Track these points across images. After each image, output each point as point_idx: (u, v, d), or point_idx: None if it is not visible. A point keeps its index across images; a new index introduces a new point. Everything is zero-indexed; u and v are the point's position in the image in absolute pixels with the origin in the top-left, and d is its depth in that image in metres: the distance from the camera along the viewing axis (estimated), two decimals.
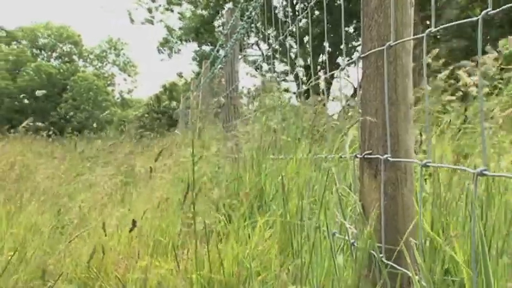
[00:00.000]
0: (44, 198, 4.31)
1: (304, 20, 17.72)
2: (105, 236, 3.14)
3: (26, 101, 40.65)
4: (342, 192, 2.01)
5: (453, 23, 1.49)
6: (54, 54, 47.28)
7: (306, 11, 2.96)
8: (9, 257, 3.03)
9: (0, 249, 3.29)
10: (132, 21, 29.07)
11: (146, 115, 29.08)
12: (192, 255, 2.52)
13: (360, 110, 1.90)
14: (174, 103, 27.39)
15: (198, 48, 27.82)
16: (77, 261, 3.19)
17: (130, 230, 2.98)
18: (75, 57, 47.74)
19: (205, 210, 3.20)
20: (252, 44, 24.32)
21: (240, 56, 5.65)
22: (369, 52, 1.82)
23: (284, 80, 23.77)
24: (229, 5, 21.59)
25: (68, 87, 42.76)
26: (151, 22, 28.33)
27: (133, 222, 2.95)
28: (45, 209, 4.06)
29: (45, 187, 4.75)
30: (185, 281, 2.46)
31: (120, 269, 2.87)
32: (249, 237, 2.73)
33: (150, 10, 28.20)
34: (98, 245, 3.06)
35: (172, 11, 27.83)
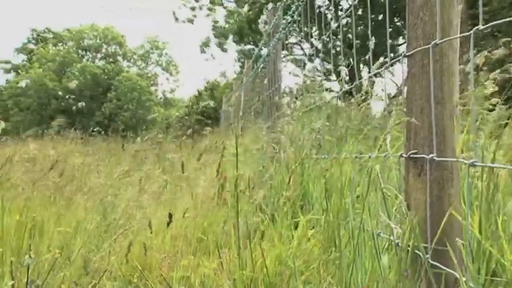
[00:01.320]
0: (90, 196, 4.37)
1: (347, 19, 17.62)
2: (151, 233, 3.17)
3: (71, 101, 41.41)
4: (386, 191, 2.00)
5: (502, 21, 1.47)
6: (99, 55, 47.99)
7: (350, 10, 2.94)
8: (56, 255, 3.08)
9: (47, 247, 3.35)
10: (176, 19, 29.33)
11: (186, 117, 29.27)
12: (235, 255, 2.53)
13: (405, 109, 1.88)
14: (215, 103, 27.50)
15: (241, 48, 27.90)
16: (122, 259, 3.23)
17: (168, 224, 3.01)
18: (119, 58, 48.35)
19: (249, 210, 3.21)
20: (294, 43, 24.28)
21: (282, 55, 5.65)
22: (414, 51, 1.81)
23: (327, 79, 23.66)
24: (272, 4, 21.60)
25: (112, 87, 43.36)
26: (192, 22, 28.54)
27: (170, 216, 2.98)
28: (91, 207, 4.12)
29: (91, 185, 4.82)
30: (229, 280, 2.47)
31: (164, 268, 2.90)
32: (292, 236, 2.73)
33: (193, 9, 28.42)
34: (141, 243, 3.10)
35: (214, 11, 28.00)
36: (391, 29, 22.29)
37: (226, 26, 27.89)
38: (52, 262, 3.01)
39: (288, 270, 2.38)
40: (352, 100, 3.40)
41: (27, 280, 2.53)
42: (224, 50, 28.59)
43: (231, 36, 27.77)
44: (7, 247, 3.09)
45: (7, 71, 48.07)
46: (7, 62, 48.27)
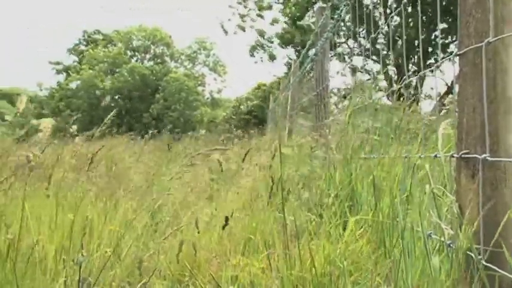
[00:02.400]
0: (138, 195, 4.44)
1: (395, 18, 17.43)
2: (198, 233, 3.20)
3: (120, 102, 42.10)
4: (436, 192, 1.97)
5: None
6: (147, 56, 48.61)
7: (399, 9, 2.91)
8: (107, 253, 3.14)
9: (98, 245, 3.41)
10: (225, 32, 29.48)
11: (233, 117, 29.40)
12: (283, 254, 2.53)
13: (457, 109, 1.85)
14: (262, 103, 27.55)
15: (291, 51, 27.86)
16: (170, 258, 3.26)
17: (223, 227, 3.03)
18: (167, 58, 48.85)
19: (297, 209, 3.21)
20: (342, 43, 24.12)
21: (330, 55, 5.62)
22: (466, 49, 1.78)
23: (375, 78, 23.44)
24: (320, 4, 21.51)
25: (160, 87, 43.86)
26: (243, 29, 28.57)
27: (226, 219, 2.99)
28: (139, 206, 4.18)
29: (139, 185, 4.89)
30: (277, 280, 2.47)
31: (212, 267, 2.92)
32: (341, 236, 2.72)
33: (242, 16, 28.48)
34: (190, 243, 3.13)
35: (262, 17, 28.04)
36: (446, 27, 21.97)
37: (275, 33, 27.88)
38: (103, 260, 3.07)
39: (336, 270, 2.37)
40: (401, 99, 3.37)
41: (79, 278, 2.58)
42: (273, 58, 28.57)
43: (277, 41, 27.75)
44: (60, 245, 3.16)
45: (59, 72, 49.22)
46: (58, 63, 49.42)
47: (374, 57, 20.64)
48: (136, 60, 47.68)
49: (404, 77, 2.79)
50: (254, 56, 29.20)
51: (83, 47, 49.62)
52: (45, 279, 2.88)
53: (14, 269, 2.69)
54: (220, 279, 2.69)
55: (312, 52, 6.31)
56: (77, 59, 49.21)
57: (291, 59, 26.29)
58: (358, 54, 22.26)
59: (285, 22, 26.80)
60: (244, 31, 28.71)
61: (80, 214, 3.44)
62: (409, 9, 19.42)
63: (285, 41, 26.75)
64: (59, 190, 3.79)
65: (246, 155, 4.57)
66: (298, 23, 25.93)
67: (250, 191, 3.94)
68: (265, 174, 4.16)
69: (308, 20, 25.81)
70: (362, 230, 2.69)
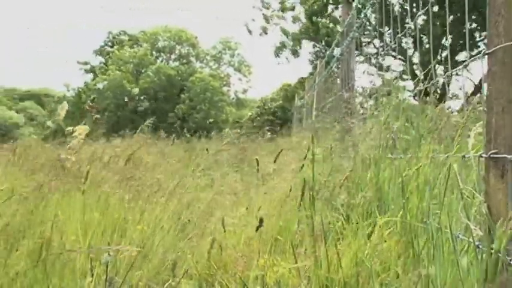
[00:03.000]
0: (166, 195, 4.46)
1: (422, 17, 17.27)
2: (224, 232, 3.21)
3: (146, 102, 42.39)
4: (465, 192, 1.96)
5: None
6: (172, 56, 48.86)
7: (426, 8, 2.89)
8: (134, 253, 3.16)
9: (125, 245, 3.44)
10: (250, 32, 29.49)
11: (258, 117, 29.40)
12: (310, 254, 2.53)
13: (485, 108, 1.84)
14: (287, 103, 27.52)
15: (313, 49, 27.77)
16: (197, 258, 3.28)
17: (257, 229, 3.03)
18: (192, 59, 49.04)
19: (324, 209, 3.20)
20: (368, 42, 23.97)
21: (356, 55, 5.61)
22: (495, 48, 1.76)
23: (401, 78, 23.28)
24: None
25: (186, 88, 44.04)
26: (266, 31, 28.60)
27: (260, 221, 3.00)
28: (168, 206, 4.20)
29: (167, 185, 4.91)
30: (304, 280, 2.47)
31: (239, 267, 2.93)
32: (368, 237, 2.71)
33: (266, 18, 28.50)
34: (218, 243, 3.14)
35: (284, 18, 28.04)
36: (473, 26, 21.74)
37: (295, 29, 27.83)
38: (130, 260, 3.09)
39: (364, 271, 2.37)
40: (428, 99, 3.35)
41: (106, 277, 2.60)
42: (296, 55, 28.47)
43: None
44: (89, 245, 3.20)
45: (87, 72, 49.79)
46: (86, 63, 49.95)
47: (400, 57, 20.50)
48: (162, 61, 47.93)
49: (428, 76, 2.78)
50: (279, 57, 29.16)
51: (108, 48, 50.05)
52: (73, 278, 2.92)
53: (44, 268, 2.74)
54: (247, 279, 2.70)
55: (337, 51, 6.30)
56: (103, 59, 49.67)
57: (316, 57, 26.24)
58: (384, 54, 22.14)
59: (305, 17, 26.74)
60: (267, 33, 28.74)
61: (109, 214, 3.48)
62: (436, 8, 19.28)
63: (305, 33, 26.69)
64: (90, 191, 3.83)
65: (277, 156, 4.57)
66: (314, 18, 25.87)
67: (279, 191, 3.94)
68: (294, 175, 4.16)
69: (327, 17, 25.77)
70: (390, 230, 2.68)
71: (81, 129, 3.12)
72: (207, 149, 6.70)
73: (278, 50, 29.01)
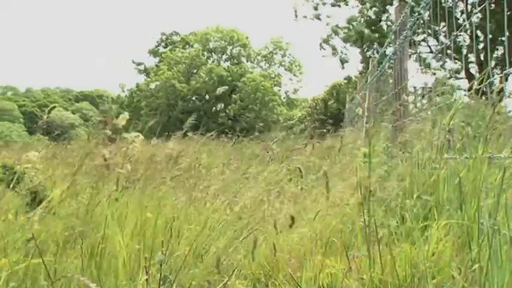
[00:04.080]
0: (218, 195, 4.48)
1: (477, 15, 16.91)
2: (280, 232, 3.21)
3: (198, 102, 42.79)
4: None
5: None
6: (224, 57, 49.16)
7: (483, 5, 2.83)
8: (187, 252, 3.19)
9: (178, 244, 3.47)
10: (296, 17, 29.18)
11: (309, 117, 29.31)
12: (364, 256, 2.51)
13: None
14: (339, 103, 27.37)
15: (365, 49, 27.43)
16: (250, 258, 3.29)
17: (290, 226, 3.03)
18: (243, 59, 49.24)
19: (378, 211, 3.17)
20: (420, 41, 23.58)
21: (409, 54, 5.53)
22: None
23: (455, 77, 22.86)
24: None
25: (237, 88, 44.26)
26: (319, 17, 28.30)
27: (292, 218, 2.99)
28: (219, 206, 4.22)
29: (218, 185, 4.94)
30: (357, 281, 2.45)
31: (292, 267, 2.92)
32: (423, 239, 2.67)
33: (316, 7, 28.26)
34: (269, 243, 3.14)
35: (339, 6, 27.68)
36: None
37: (347, 30, 27.50)
38: (183, 259, 3.12)
39: (419, 273, 2.33)
40: (484, 98, 3.28)
41: (160, 276, 2.63)
42: (346, 60, 28.19)
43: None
44: (142, 244, 3.24)
45: (141, 72, 50.62)
46: (140, 64, 50.77)
47: (455, 55, 20.13)
48: (213, 61, 48.28)
49: (482, 75, 2.71)
50: (324, 49, 28.83)
51: (162, 49, 50.78)
52: (128, 276, 2.96)
53: (99, 267, 2.79)
54: (300, 280, 2.70)
55: (390, 50, 6.23)
56: (156, 60, 50.42)
57: (369, 56, 25.97)
58: (439, 53, 21.76)
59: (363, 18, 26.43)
60: (320, 19, 28.37)
61: (162, 214, 3.52)
62: (492, 6, 18.84)
63: (357, 38, 26.38)
64: (143, 190, 3.89)
65: (326, 155, 4.54)
66: (372, 23, 25.60)
67: (332, 191, 3.92)
68: (346, 175, 4.13)
69: (384, 19, 25.46)
70: (446, 232, 2.63)
71: (139, 139, 3.17)
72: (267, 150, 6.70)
73: (324, 42, 28.69)
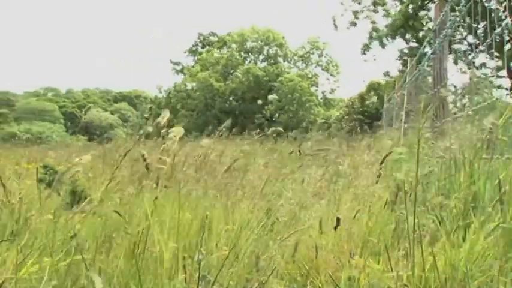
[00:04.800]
0: (255, 195, 4.49)
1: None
2: (321, 233, 3.20)
3: (234, 102, 42.95)
4: None
5: None
6: (260, 57, 49.21)
7: None
8: (224, 252, 3.21)
9: (216, 244, 3.49)
10: (335, 27, 29.09)
11: (346, 116, 29.14)
12: (403, 256, 2.48)
13: None
14: (376, 103, 27.14)
15: (403, 47, 27.16)
16: (287, 258, 3.29)
17: (335, 228, 3.01)
18: (279, 59, 49.18)
19: (417, 211, 3.14)
20: (460, 39, 23.24)
21: (449, 53, 5.46)
22: None
23: (496, 76, 22.48)
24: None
25: (273, 88, 44.24)
26: (355, 24, 28.13)
27: (337, 220, 2.98)
28: (256, 206, 4.22)
29: (256, 185, 4.94)
30: (398, 282, 2.43)
31: (330, 268, 2.91)
32: (463, 239, 2.63)
33: (355, 13, 28.08)
34: (308, 243, 3.13)
35: (377, 12, 27.48)
36: None
37: (387, 23, 27.21)
38: (221, 259, 3.13)
39: (460, 274, 2.30)
40: None
41: (199, 275, 2.65)
42: (383, 45, 27.77)
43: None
44: (180, 243, 3.26)
45: (178, 72, 51.10)
46: (177, 64, 51.23)
47: (496, 53, 19.78)
48: (250, 62, 48.37)
49: None
50: (365, 54, 28.60)
51: (199, 49, 51.15)
52: (167, 275, 2.99)
53: (138, 265, 2.82)
54: (338, 280, 2.68)
55: (429, 49, 6.16)
56: (193, 60, 50.81)
57: (404, 54, 25.72)
58: (480, 51, 21.40)
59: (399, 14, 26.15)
60: (356, 25, 28.18)
61: (200, 213, 3.54)
62: None
63: (395, 29, 26.06)
64: (181, 189, 3.91)
65: (364, 154, 4.51)
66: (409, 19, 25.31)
67: (369, 191, 3.89)
68: (384, 175, 4.10)
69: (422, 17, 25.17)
70: (486, 233, 2.59)
71: (176, 132, 3.18)
72: (299, 151, 6.69)
73: (365, 48, 28.46)
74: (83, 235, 3.18)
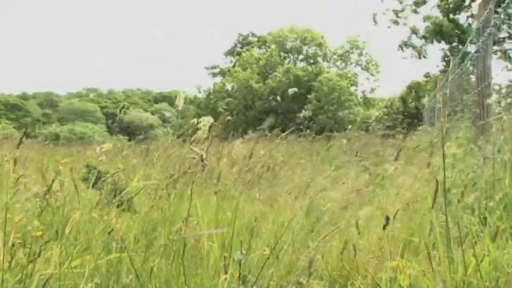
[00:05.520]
0: (296, 195, 4.49)
1: None
2: (358, 234, 3.18)
3: (274, 102, 42.92)
4: None
5: None
6: (300, 57, 49.01)
7: None
8: (265, 252, 3.21)
9: (256, 244, 3.50)
10: (375, 23, 28.72)
11: (386, 116, 28.80)
12: (445, 257, 2.45)
13: None
14: (417, 103, 26.79)
15: (444, 47, 26.70)
16: (327, 259, 3.27)
17: (384, 227, 2.98)
18: (319, 59, 48.90)
19: (458, 211, 3.10)
20: (505, 38, 22.71)
21: (493, 51, 5.37)
22: None
23: None
24: None
25: (313, 88, 44.06)
26: (397, 23, 27.74)
27: (387, 219, 2.94)
28: (297, 206, 4.22)
29: (296, 186, 4.94)
30: (440, 283, 2.40)
31: (371, 268, 2.89)
32: (507, 240, 2.59)
33: (396, 12, 27.70)
34: (349, 244, 3.12)
35: (417, 12, 27.08)
36: None
37: (426, 26, 26.76)
38: (262, 259, 3.14)
39: (504, 276, 2.26)
40: None
41: (239, 275, 2.65)
42: (423, 55, 27.39)
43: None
44: (221, 243, 3.28)
45: (214, 75, 51.31)
46: (214, 67, 51.47)
47: None
48: (289, 62, 48.26)
49: None
50: (403, 51, 28.16)
51: (238, 49, 51.29)
52: (208, 275, 3.00)
53: (181, 265, 2.84)
54: (379, 281, 2.67)
55: (472, 48, 6.06)
56: (232, 61, 50.96)
57: (447, 55, 25.31)
58: None
59: (439, 16, 25.72)
60: (398, 24, 27.76)
61: (240, 213, 3.56)
62: None
63: (437, 32, 25.63)
64: (222, 189, 3.94)
65: (398, 153, 4.47)
66: (451, 16, 24.88)
67: (410, 192, 3.85)
68: (425, 175, 4.06)
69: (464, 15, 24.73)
70: None
71: (205, 121, 3.20)
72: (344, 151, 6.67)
73: (403, 45, 28.04)
74: (122, 232, 3.22)
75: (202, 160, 3.20)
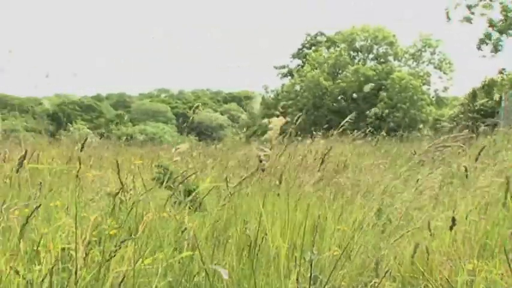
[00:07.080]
0: (368, 196, 4.43)
1: None
2: (430, 235, 3.12)
3: (343, 102, 42.63)
4: None
5: None
6: (370, 56, 48.46)
7: None
8: (336, 253, 3.18)
9: (327, 244, 3.47)
10: (448, 19, 27.95)
11: (461, 115, 28.10)
12: None
13: None
14: (493, 102, 26.00)
15: None
16: (400, 260, 3.22)
17: (451, 228, 2.92)
18: (390, 58, 48.18)
19: None
20: None
21: None
22: None
23: None
24: None
25: (384, 87, 43.51)
26: (470, 21, 26.88)
27: (453, 220, 2.89)
28: (369, 207, 4.17)
29: (368, 186, 4.88)
30: None
31: (445, 270, 2.83)
32: None
33: (469, 7, 26.88)
34: (422, 245, 3.06)
35: (492, 7, 26.19)
36: None
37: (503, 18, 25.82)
38: (333, 259, 3.11)
39: None
40: None
41: (311, 275, 2.64)
42: (499, 49, 26.45)
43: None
44: (291, 243, 3.27)
45: (284, 76, 51.34)
46: (283, 67, 51.50)
47: None
48: (359, 61, 47.81)
49: None
50: (482, 50, 27.26)
51: (306, 50, 51.14)
52: (278, 275, 3.00)
53: (252, 265, 2.84)
54: (454, 284, 2.60)
55: None
56: (300, 62, 50.86)
57: None
58: None
59: None
60: (471, 23, 26.92)
61: (311, 213, 3.54)
62: None
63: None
64: (290, 190, 3.93)
65: (478, 154, 4.35)
66: None
67: (486, 194, 3.75)
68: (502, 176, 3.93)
69: None
70: None
71: (276, 121, 3.20)
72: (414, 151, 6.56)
73: (481, 42, 27.12)
74: (193, 231, 3.26)
75: (260, 161, 3.19)
